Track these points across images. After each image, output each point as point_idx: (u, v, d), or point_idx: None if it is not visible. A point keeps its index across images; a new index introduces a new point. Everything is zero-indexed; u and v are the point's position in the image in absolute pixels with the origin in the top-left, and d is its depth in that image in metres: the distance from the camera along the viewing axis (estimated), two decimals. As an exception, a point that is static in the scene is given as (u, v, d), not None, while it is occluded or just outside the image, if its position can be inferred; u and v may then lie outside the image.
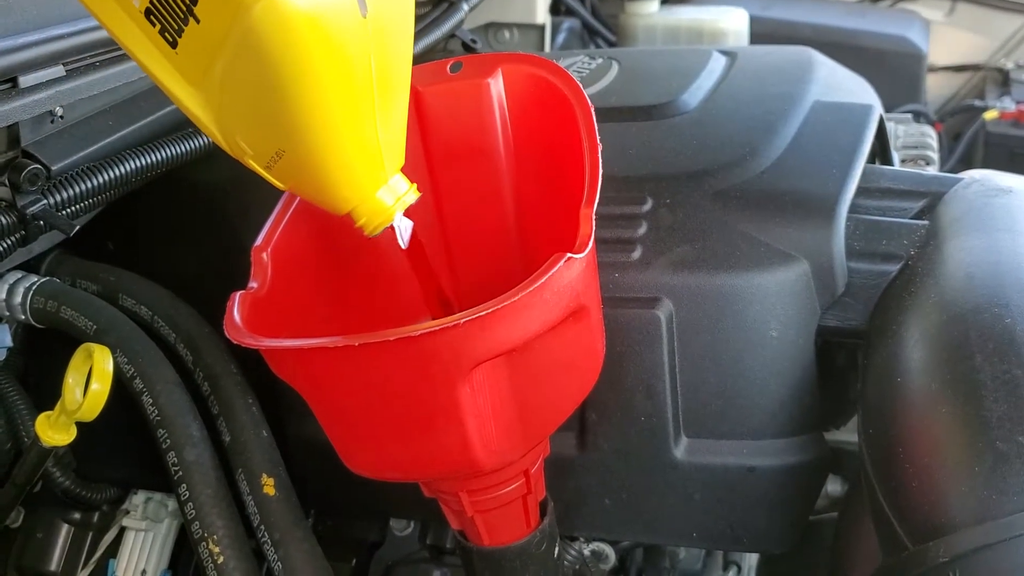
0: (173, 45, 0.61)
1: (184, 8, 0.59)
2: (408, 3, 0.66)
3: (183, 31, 0.60)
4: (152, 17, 0.61)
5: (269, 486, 0.81)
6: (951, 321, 0.72)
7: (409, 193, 0.70)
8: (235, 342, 0.66)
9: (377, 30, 0.62)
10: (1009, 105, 2.39)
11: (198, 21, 0.59)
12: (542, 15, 1.97)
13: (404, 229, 0.71)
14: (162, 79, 0.63)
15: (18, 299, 0.95)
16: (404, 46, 0.67)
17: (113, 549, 1.07)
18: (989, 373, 0.66)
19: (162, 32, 0.61)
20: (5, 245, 0.84)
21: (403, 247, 0.72)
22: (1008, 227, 0.81)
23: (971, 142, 2.41)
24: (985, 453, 0.63)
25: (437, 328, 0.60)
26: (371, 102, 0.64)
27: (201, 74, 0.62)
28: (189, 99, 0.64)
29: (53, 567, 1.07)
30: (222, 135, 0.65)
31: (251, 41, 0.59)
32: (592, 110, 0.76)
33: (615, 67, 1.11)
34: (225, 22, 0.58)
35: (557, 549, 0.82)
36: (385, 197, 0.69)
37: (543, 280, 0.62)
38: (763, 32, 2.16)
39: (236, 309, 0.69)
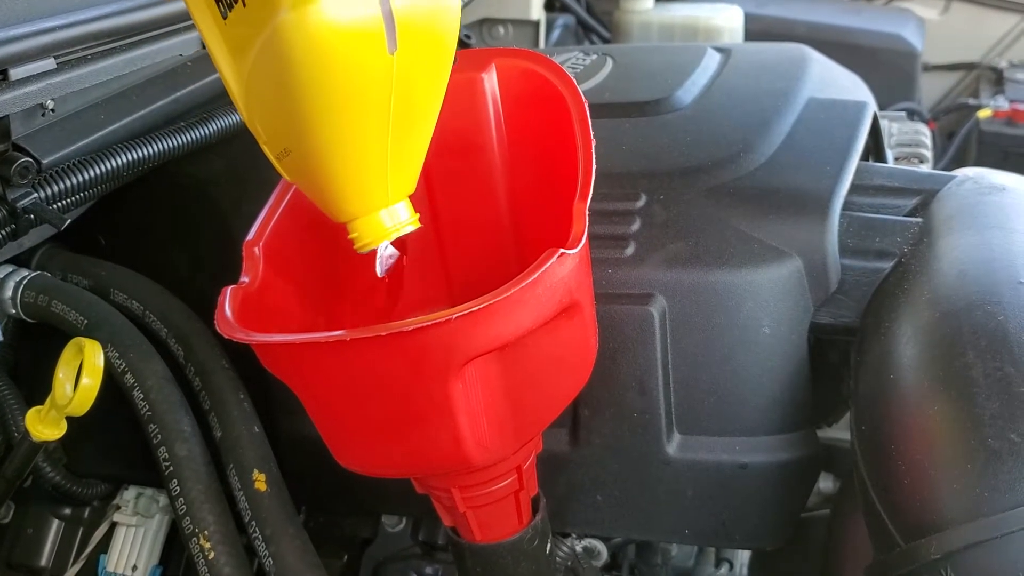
0: (224, 16, 0.64)
1: None
2: (447, 54, 0.67)
3: (233, 6, 0.63)
4: None
5: (260, 482, 0.81)
6: (944, 318, 0.72)
7: (408, 225, 0.71)
8: (226, 337, 0.65)
9: (404, 68, 0.63)
10: (1003, 104, 2.39)
11: (244, 5, 0.62)
12: (537, 11, 1.97)
13: (385, 258, 0.71)
14: (209, 41, 0.66)
15: (8, 293, 0.94)
16: (435, 88, 0.68)
17: (104, 544, 1.06)
18: (981, 370, 0.66)
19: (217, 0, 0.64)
20: (-5, 239, 0.83)
21: (379, 276, 0.72)
22: (1001, 225, 0.81)
23: (965, 140, 2.41)
24: (977, 450, 0.63)
25: (429, 323, 0.60)
26: (385, 130, 0.65)
27: (241, 51, 0.64)
28: (227, 69, 0.66)
29: (43, 562, 1.07)
30: (246, 114, 0.68)
31: (275, 43, 0.61)
32: (586, 106, 0.76)
33: (609, 63, 1.11)
34: (264, 16, 0.61)
35: (549, 545, 0.81)
36: (384, 219, 0.70)
37: (536, 276, 0.62)
38: (758, 29, 2.16)
39: (227, 304, 0.69)
